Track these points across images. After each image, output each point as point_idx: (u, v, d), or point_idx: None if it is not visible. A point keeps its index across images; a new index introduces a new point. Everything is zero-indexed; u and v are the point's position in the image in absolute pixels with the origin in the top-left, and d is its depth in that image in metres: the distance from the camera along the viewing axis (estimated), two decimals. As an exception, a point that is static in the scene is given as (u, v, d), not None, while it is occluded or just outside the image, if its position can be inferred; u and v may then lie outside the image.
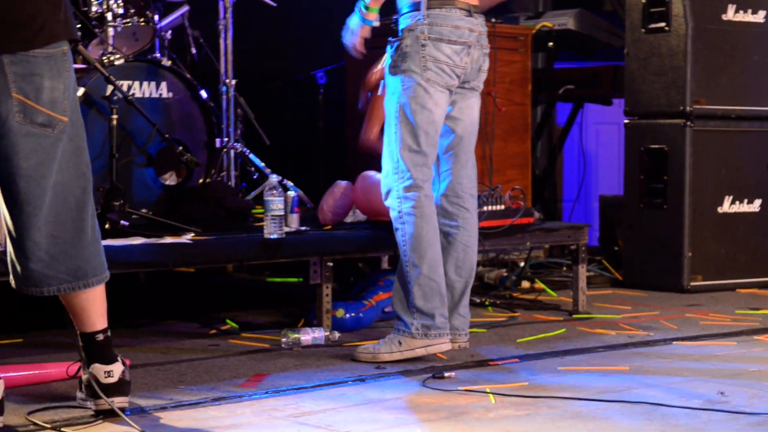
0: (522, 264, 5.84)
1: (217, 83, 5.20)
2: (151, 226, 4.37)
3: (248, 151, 5.19)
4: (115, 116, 4.32)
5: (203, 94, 4.73)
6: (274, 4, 5.44)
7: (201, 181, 4.74)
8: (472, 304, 5.01)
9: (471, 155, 4.16)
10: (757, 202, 5.88)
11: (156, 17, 4.89)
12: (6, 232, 3.07)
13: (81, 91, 4.33)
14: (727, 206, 5.80)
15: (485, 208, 4.72)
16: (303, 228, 4.55)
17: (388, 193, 4.03)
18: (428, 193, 4.00)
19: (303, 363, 3.92)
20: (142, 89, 4.58)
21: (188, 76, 4.74)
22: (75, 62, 3.88)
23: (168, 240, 4.14)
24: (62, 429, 3.05)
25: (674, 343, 4.35)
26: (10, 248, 3.06)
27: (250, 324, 4.62)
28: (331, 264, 4.35)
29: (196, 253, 4.15)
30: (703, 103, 5.71)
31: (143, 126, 4.52)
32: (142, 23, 4.78)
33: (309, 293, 4.58)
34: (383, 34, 4.11)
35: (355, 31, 4.04)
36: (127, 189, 4.46)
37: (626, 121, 5.93)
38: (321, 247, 4.34)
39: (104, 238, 3.40)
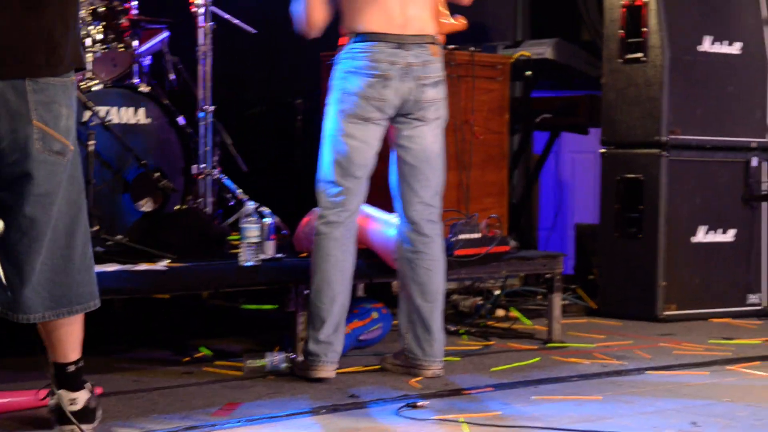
0: (497, 292, 5.85)
1: (195, 109, 5.20)
2: (126, 252, 4.36)
3: (225, 177, 5.19)
4: (92, 142, 4.31)
5: (181, 120, 4.73)
6: (254, 31, 5.46)
7: (177, 207, 4.73)
8: (447, 332, 5.02)
9: (427, 183, 4.17)
10: (731, 232, 5.92)
11: (135, 43, 4.89)
12: None
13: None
14: (702, 236, 5.84)
15: (461, 237, 4.73)
16: (279, 255, 4.55)
17: None
18: (330, 220, 4.07)
19: (277, 391, 3.91)
20: (119, 115, 4.58)
21: (166, 102, 4.75)
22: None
23: (143, 267, 4.14)
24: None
25: (647, 372, 4.37)
26: (1, 273, 3.04)
27: (224, 351, 4.61)
28: (307, 291, 4.35)
29: (171, 280, 4.15)
30: (678, 133, 5.75)
31: (120, 152, 4.51)
32: (121, 49, 4.78)
33: (284, 321, 4.57)
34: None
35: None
36: (102, 215, 4.45)
37: (603, 150, 5.97)
38: (297, 275, 4.34)
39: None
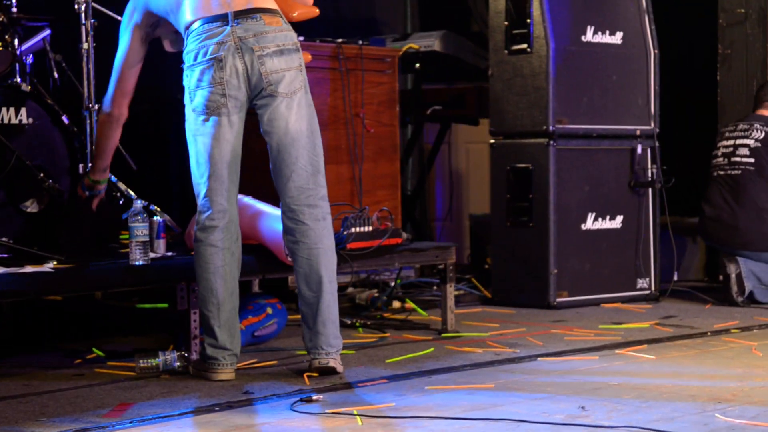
0: (392, 284, 5.88)
1: (80, 108, 5.11)
2: (11, 254, 4.28)
3: (113, 176, 5.12)
4: (-28, 143, 4.21)
5: (65, 119, 4.65)
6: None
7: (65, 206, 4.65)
8: (343, 325, 5.03)
9: (296, 166, 4.01)
10: (619, 219, 6.04)
11: (15, 41, 4.79)
12: None
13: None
14: (591, 223, 5.95)
15: (353, 230, 4.75)
16: (169, 254, 4.51)
17: None
18: (204, 225, 4.02)
19: (170, 391, 3.88)
20: (0, 115, 4.48)
21: (49, 101, 4.65)
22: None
23: (29, 269, 4.06)
24: None
25: (539, 359, 4.44)
26: None
27: (118, 352, 4.55)
28: (198, 289, 4.31)
29: (58, 281, 4.08)
30: (565, 123, 5.85)
31: (2, 152, 4.42)
32: (0, 47, 4.67)
33: (179, 319, 4.53)
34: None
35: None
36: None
37: (492, 140, 6.04)
38: (188, 273, 4.30)
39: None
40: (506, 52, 5.91)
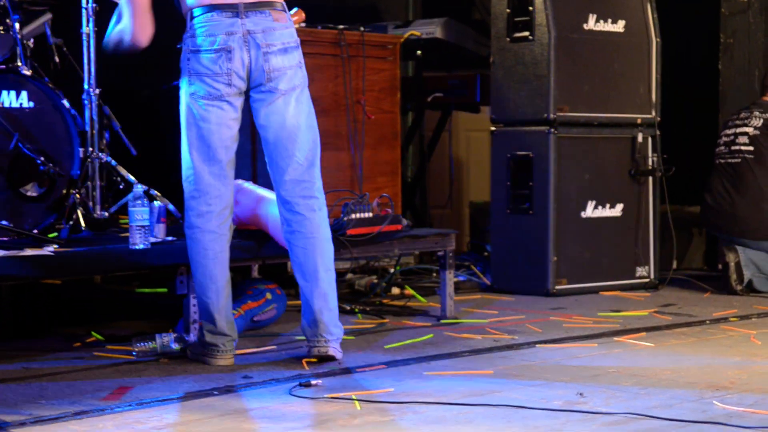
0: (392, 271, 5.88)
1: (81, 92, 5.11)
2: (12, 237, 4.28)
3: (113, 161, 5.12)
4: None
5: (66, 103, 4.65)
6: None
7: (64, 191, 4.65)
8: (342, 311, 5.04)
9: (292, 159, 4.01)
10: (619, 207, 6.05)
11: (17, 25, 4.78)
12: None
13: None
14: (591, 211, 5.95)
15: (353, 216, 4.75)
16: (170, 238, 4.51)
17: None
18: (201, 211, 4.00)
19: (169, 374, 3.89)
20: (1, 99, 4.48)
21: (50, 85, 4.66)
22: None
23: (29, 252, 4.06)
24: None
25: (538, 346, 4.45)
26: None
27: (116, 336, 4.56)
28: (195, 276, 4.31)
29: (58, 265, 4.08)
30: (566, 111, 5.85)
31: (3, 136, 4.42)
32: (2, 31, 4.67)
33: (178, 304, 4.53)
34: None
35: None
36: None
37: (492, 128, 6.03)
38: (187, 257, 4.30)
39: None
40: (508, 39, 5.91)
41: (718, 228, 6.09)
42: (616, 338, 4.61)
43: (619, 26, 6.00)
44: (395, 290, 5.77)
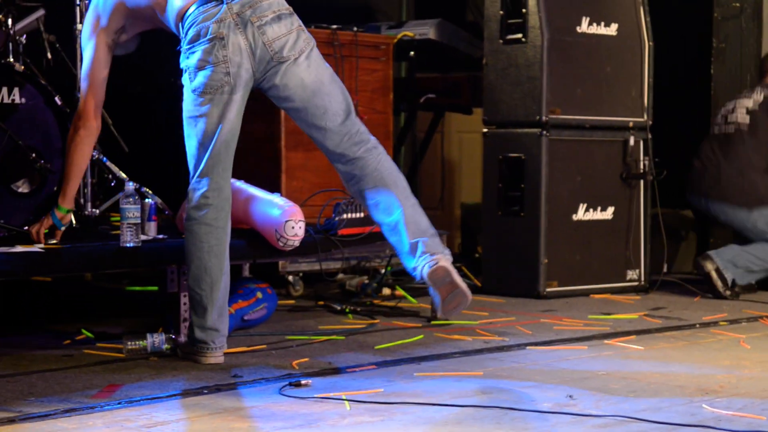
0: (383, 271, 5.88)
1: (73, 89, 5.10)
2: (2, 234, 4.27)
3: (105, 158, 5.11)
4: (-36, 122, 4.20)
5: (58, 100, 4.64)
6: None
7: (56, 188, 4.64)
8: (333, 311, 5.05)
9: (327, 113, 3.95)
10: (610, 210, 6.06)
11: (9, 21, 4.77)
12: None
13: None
14: (582, 214, 5.96)
15: (345, 216, 4.75)
16: (160, 236, 4.50)
17: None
18: (199, 204, 3.99)
19: (159, 373, 3.88)
20: (-7, 95, 4.47)
21: (42, 81, 4.65)
22: None
23: (19, 249, 4.05)
24: None
25: (528, 348, 4.45)
26: None
27: (107, 334, 4.55)
28: (190, 269, 4.30)
29: (48, 262, 4.07)
30: (558, 113, 5.85)
31: (-5, 132, 4.41)
32: (-6, 27, 4.66)
33: (169, 302, 4.53)
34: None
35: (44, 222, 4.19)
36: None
37: (485, 130, 6.04)
38: (179, 256, 4.29)
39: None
40: (501, 41, 5.91)
41: (699, 190, 6.12)
42: (606, 341, 4.61)
43: (612, 29, 6.01)
44: (386, 291, 5.77)
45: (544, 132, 5.80)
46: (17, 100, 4.52)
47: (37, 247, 4.11)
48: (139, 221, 4.23)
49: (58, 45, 5.17)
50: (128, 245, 4.20)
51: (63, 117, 4.66)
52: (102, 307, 5.44)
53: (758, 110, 6.00)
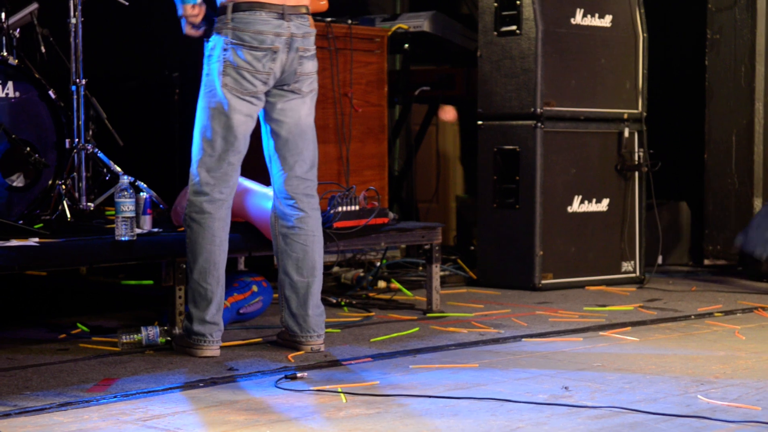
0: (378, 264, 5.88)
1: (67, 83, 5.10)
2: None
3: (99, 152, 5.11)
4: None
5: (52, 94, 4.63)
6: (126, 3, 5.37)
7: (50, 182, 4.64)
8: (328, 304, 5.04)
9: (300, 157, 4.14)
10: (605, 202, 6.06)
11: (2, 15, 4.77)
12: None
13: None
14: (577, 205, 5.96)
15: (340, 209, 4.75)
16: (155, 230, 4.51)
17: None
18: (214, 197, 4.03)
19: (154, 366, 3.88)
20: (-13, 89, 4.47)
21: (36, 75, 4.64)
22: None
23: (14, 243, 4.05)
24: None
25: (523, 340, 4.46)
26: None
27: (102, 327, 4.55)
28: (184, 266, 4.31)
29: (43, 256, 4.07)
30: (553, 105, 5.85)
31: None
32: (-12, 21, 4.66)
33: (164, 295, 4.53)
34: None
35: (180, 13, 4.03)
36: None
37: (479, 122, 6.04)
38: (174, 249, 4.30)
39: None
40: (495, 33, 5.91)
41: None
42: (601, 332, 4.62)
43: (607, 21, 6.01)
44: (381, 283, 5.77)
45: (539, 124, 5.80)
46: (11, 94, 4.52)
47: (32, 241, 4.11)
48: (134, 215, 4.23)
49: (51, 39, 5.16)
50: (123, 239, 4.20)
51: (57, 111, 4.66)
52: (97, 301, 5.44)
53: None
